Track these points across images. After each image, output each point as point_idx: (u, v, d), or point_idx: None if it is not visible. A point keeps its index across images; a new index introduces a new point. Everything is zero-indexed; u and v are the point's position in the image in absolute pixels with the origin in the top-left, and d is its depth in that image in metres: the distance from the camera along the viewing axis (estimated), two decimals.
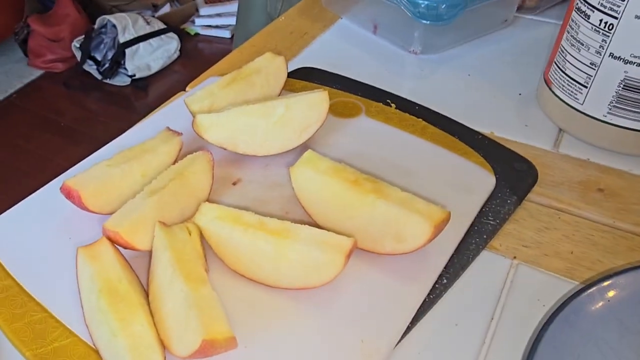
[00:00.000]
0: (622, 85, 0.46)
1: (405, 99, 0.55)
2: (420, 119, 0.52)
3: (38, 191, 0.46)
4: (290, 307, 0.37)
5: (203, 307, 0.34)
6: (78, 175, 0.42)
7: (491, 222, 0.43)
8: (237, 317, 0.36)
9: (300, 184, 0.42)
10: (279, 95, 0.53)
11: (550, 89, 0.53)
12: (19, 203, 0.46)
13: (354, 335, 0.35)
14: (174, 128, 0.48)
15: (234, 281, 0.39)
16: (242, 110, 0.47)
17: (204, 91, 0.51)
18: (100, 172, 0.43)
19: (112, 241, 0.39)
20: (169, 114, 0.54)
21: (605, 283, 0.36)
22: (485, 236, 0.42)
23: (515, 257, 0.42)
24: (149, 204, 0.40)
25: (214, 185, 0.45)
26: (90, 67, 2.35)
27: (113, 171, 0.43)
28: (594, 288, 0.36)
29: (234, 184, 0.46)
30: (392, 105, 0.54)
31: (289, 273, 0.37)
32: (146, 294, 0.37)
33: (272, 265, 0.37)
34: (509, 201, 0.45)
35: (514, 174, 0.47)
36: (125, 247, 0.39)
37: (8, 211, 0.45)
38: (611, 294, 0.36)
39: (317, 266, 0.36)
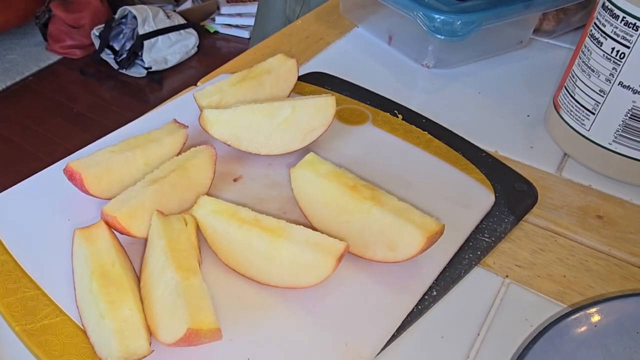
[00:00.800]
0: (629, 115, 0.46)
1: (413, 111, 0.55)
2: (426, 132, 0.52)
3: (42, 171, 0.47)
4: (278, 305, 0.37)
5: (192, 296, 0.34)
6: (82, 159, 0.43)
7: (486, 240, 0.43)
8: (225, 310, 0.37)
9: (300, 185, 0.43)
10: (288, 97, 0.54)
11: (558, 113, 0.53)
12: (23, 182, 0.46)
13: (338, 338, 0.35)
14: (181, 121, 0.48)
15: (225, 275, 0.39)
16: (249, 109, 0.47)
17: (214, 87, 0.51)
18: (104, 158, 0.43)
19: (110, 225, 0.39)
20: (178, 106, 0.55)
21: (593, 309, 0.36)
22: (479, 252, 0.43)
23: (507, 276, 0.42)
24: (149, 192, 0.41)
25: (214, 180, 0.46)
26: (107, 56, 2.37)
27: (117, 157, 0.43)
28: (581, 312, 0.36)
29: (235, 180, 0.47)
30: (399, 116, 0.54)
31: (280, 271, 0.37)
32: (138, 280, 0.38)
33: (264, 263, 0.38)
34: (506, 220, 0.45)
35: (513, 194, 0.47)
36: (121, 233, 0.39)
37: (11, 188, 0.45)
38: (598, 319, 0.36)
39: (308, 267, 0.36)
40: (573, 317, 0.36)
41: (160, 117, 0.51)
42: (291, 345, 0.35)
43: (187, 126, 0.48)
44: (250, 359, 0.34)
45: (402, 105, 0.56)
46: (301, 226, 0.38)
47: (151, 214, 0.40)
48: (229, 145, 0.48)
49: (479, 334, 0.38)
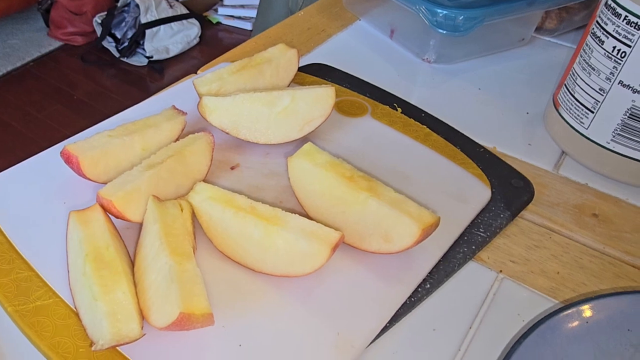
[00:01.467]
0: (628, 114, 0.46)
1: (412, 105, 0.55)
2: (425, 126, 0.52)
3: (39, 154, 0.47)
4: (272, 292, 0.37)
5: (185, 281, 0.34)
6: (79, 142, 0.43)
7: (482, 234, 0.44)
8: (218, 296, 0.37)
9: (297, 174, 0.43)
10: (288, 87, 0.54)
11: (557, 110, 0.53)
12: (20, 164, 0.46)
13: (330, 327, 0.36)
14: (180, 108, 0.48)
15: (220, 262, 0.39)
16: (248, 97, 0.47)
17: (214, 75, 0.51)
18: (102, 142, 0.43)
19: (105, 209, 0.39)
20: (177, 93, 0.55)
21: (585, 305, 0.36)
22: (474, 247, 0.43)
23: (501, 271, 0.42)
24: (145, 177, 0.41)
25: (212, 168, 0.46)
26: (109, 44, 2.37)
27: (114, 142, 0.43)
28: (573, 309, 0.36)
29: (232, 168, 0.47)
30: (399, 109, 0.54)
31: (274, 260, 0.37)
32: (132, 264, 0.38)
33: (258, 250, 0.38)
34: (502, 215, 0.45)
35: (510, 190, 0.47)
36: (117, 217, 0.39)
37: (7, 170, 0.45)
38: (590, 316, 0.36)
39: (302, 256, 0.36)
40: (565, 312, 0.36)
41: (159, 104, 0.51)
42: (283, 333, 0.35)
43: (186, 113, 0.48)
44: (242, 346, 0.34)
45: (401, 99, 0.56)
46: (297, 215, 0.38)
47: (147, 198, 0.40)
48: (227, 133, 0.48)
49: (470, 327, 0.38)
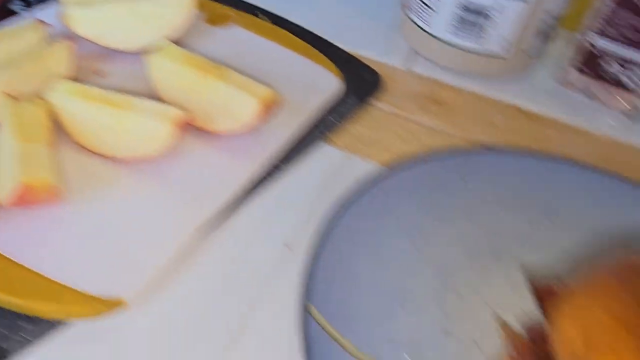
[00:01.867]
0: (461, 8, 0.51)
1: (276, 15, 0.59)
2: (286, 30, 0.55)
3: None
4: (128, 177, 0.40)
5: (31, 158, 0.36)
6: None
7: (332, 120, 0.48)
8: (77, 185, 0.39)
9: (156, 71, 0.45)
10: None
11: (406, 12, 0.57)
12: None
13: (182, 200, 0.39)
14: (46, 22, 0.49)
15: (79, 155, 0.41)
16: (112, 7, 0.49)
17: None
18: None
19: None
20: (44, 12, 0.56)
21: (408, 167, 0.41)
22: (325, 130, 0.47)
23: (349, 151, 0.46)
24: (2, 79, 0.42)
25: (78, 76, 0.47)
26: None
27: None
28: (397, 170, 0.41)
29: (99, 75, 0.49)
30: (263, 18, 0.57)
31: (127, 143, 0.40)
32: None
33: (112, 137, 0.40)
34: (351, 102, 0.49)
35: (361, 81, 0.52)
36: None
37: None
38: (412, 176, 0.41)
39: (149, 135, 0.39)
40: (390, 173, 0.41)
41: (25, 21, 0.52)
42: (138, 212, 0.38)
43: (50, 24, 0.49)
44: (97, 225, 0.37)
45: (266, 10, 0.59)
46: (146, 98, 0.41)
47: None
48: (93, 43, 0.49)
49: (317, 199, 0.42)
